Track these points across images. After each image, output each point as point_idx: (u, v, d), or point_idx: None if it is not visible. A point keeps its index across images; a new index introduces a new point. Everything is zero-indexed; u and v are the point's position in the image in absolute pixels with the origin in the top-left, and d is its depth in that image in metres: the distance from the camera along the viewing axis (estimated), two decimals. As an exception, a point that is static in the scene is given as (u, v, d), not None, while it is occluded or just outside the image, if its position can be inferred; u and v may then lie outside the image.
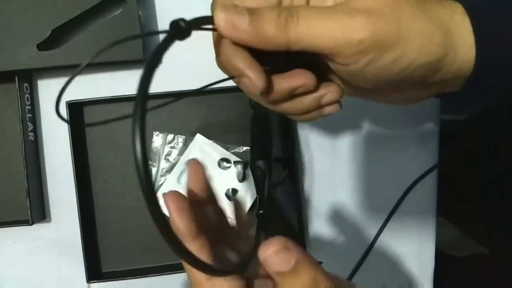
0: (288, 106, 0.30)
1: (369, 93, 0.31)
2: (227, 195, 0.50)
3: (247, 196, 0.50)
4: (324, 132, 0.52)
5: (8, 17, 0.46)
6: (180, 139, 0.51)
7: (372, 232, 0.52)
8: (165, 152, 0.51)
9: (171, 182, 0.51)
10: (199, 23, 0.25)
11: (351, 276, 0.52)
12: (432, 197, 0.53)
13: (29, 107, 0.49)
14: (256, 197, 0.35)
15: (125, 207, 0.51)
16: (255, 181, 0.34)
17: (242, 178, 0.50)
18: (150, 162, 0.51)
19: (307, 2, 0.28)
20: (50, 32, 0.46)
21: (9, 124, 0.50)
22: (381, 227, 0.52)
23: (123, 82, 0.50)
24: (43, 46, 0.46)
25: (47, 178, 0.51)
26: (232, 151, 0.51)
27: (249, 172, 0.49)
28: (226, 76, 0.29)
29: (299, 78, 0.28)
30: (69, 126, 0.48)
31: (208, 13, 0.27)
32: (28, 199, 0.47)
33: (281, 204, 0.51)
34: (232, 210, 0.35)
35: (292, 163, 0.50)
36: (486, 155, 0.70)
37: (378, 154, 0.52)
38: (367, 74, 0.26)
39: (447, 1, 0.28)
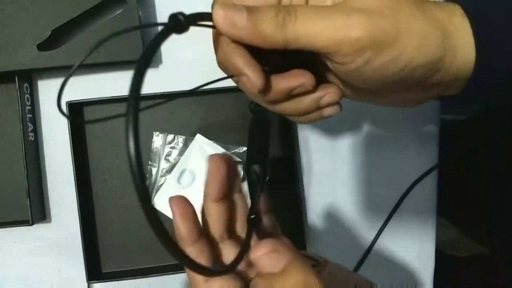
0: (288, 107, 0.30)
1: (368, 94, 0.31)
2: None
3: (247, 196, 0.50)
4: (324, 133, 0.52)
5: (8, 17, 0.46)
6: (180, 139, 0.51)
7: (372, 232, 0.52)
8: (165, 153, 0.51)
9: (171, 182, 0.51)
10: (198, 18, 0.25)
11: (351, 276, 0.52)
12: (432, 197, 0.53)
13: (29, 107, 0.49)
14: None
15: (125, 207, 0.51)
16: (249, 185, 0.34)
17: (242, 179, 0.50)
18: (150, 162, 0.51)
19: (306, 2, 0.28)
20: (50, 32, 0.46)
21: (9, 124, 0.50)
22: (381, 227, 0.52)
23: (123, 82, 0.50)
24: (43, 46, 0.46)
25: (47, 178, 0.51)
26: (232, 151, 0.51)
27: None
28: (225, 75, 0.29)
29: (297, 78, 0.28)
30: (69, 126, 0.48)
31: (208, 10, 0.27)
32: (28, 199, 0.47)
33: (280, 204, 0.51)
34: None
35: (292, 163, 0.50)
36: (486, 155, 0.70)
37: (378, 155, 0.52)
38: (364, 73, 0.26)
39: (446, 3, 0.28)
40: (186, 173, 0.51)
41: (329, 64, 0.28)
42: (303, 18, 0.25)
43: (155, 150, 0.51)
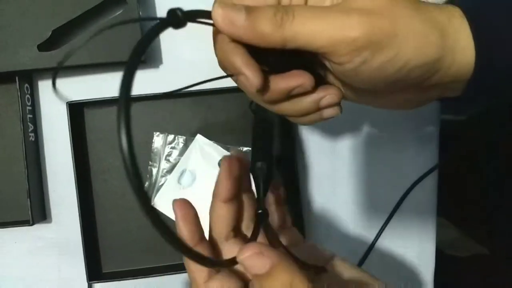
0: (287, 107, 0.30)
1: (367, 95, 0.31)
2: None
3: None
4: (325, 133, 0.52)
5: (9, 17, 0.46)
6: (181, 139, 0.51)
7: (373, 233, 0.52)
8: (166, 153, 0.51)
9: (171, 183, 0.51)
10: (196, 15, 0.25)
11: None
12: (432, 197, 0.53)
13: (30, 108, 0.49)
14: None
15: (126, 207, 0.51)
16: (254, 181, 0.34)
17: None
18: (150, 163, 0.51)
19: (305, 2, 0.28)
20: (50, 32, 0.46)
21: (10, 125, 0.50)
22: (381, 228, 0.52)
23: (124, 83, 0.50)
24: (43, 46, 0.46)
25: (47, 178, 0.51)
26: (233, 151, 0.51)
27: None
28: (225, 74, 0.30)
29: (297, 78, 0.28)
30: (69, 126, 0.48)
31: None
32: (28, 199, 0.47)
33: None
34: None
35: (292, 163, 0.50)
36: (486, 156, 0.70)
37: (378, 155, 0.52)
38: (362, 73, 0.27)
39: (445, 5, 0.28)
40: (187, 173, 0.51)
41: (327, 64, 0.28)
42: (301, 18, 0.25)
43: (155, 150, 0.51)
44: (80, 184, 0.48)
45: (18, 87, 0.47)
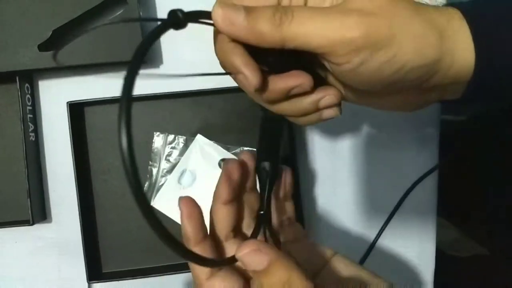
0: (286, 107, 0.30)
1: (367, 96, 0.31)
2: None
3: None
4: (325, 133, 0.52)
5: (9, 17, 0.46)
6: (181, 139, 0.51)
7: (373, 233, 0.52)
8: (166, 153, 0.51)
9: (171, 183, 0.51)
10: (196, 16, 0.26)
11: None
12: (432, 198, 0.53)
13: (30, 108, 0.49)
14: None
15: (126, 207, 0.51)
16: (259, 181, 0.35)
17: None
18: (150, 163, 0.51)
19: (305, 3, 0.28)
20: (51, 32, 0.46)
21: (10, 125, 0.50)
22: (381, 228, 0.52)
23: (124, 83, 0.50)
24: (44, 46, 0.46)
25: (47, 178, 0.51)
26: (233, 151, 0.51)
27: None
28: (224, 72, 0.30)
29: (295, 78, 0.28)
30: (70, 126, 0.48)
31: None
32: (28, 199, 0.47)
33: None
34: None
35: (292, 163, 0.50)
36: (487, 156, 0.70)
37: (379, 155, 0.52)
38: (361, 74, 0.27)
39: (445, 7, 0.28)
40: (187, 174, 0.51)
41: (326, 65, 0.28)
42: (299, 18, 0.26)
43: (155, 150, 0.51)
44: (80, 184, 0.48)
45: (18, 87, 0.47)
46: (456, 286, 0.71)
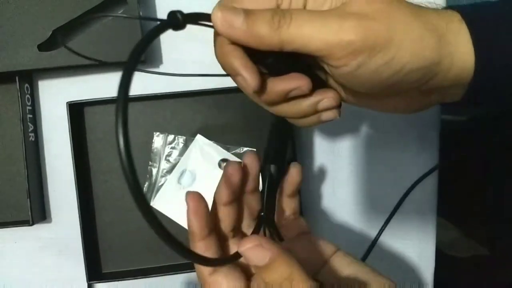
0: (286, 109, 0.31)
1: (367, 98, 0.31)
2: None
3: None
4: (325, 133, 0.52)
5: (9, 17, 0.46)
6: (181, 139, 0.51)
7: (373, 233, 0.52)
8: (166, 153, 0.51)
9: (171, 183, 0.51)
10: (196, 18, 0.26)
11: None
12: (432, 198, 0.53)
13: (30, 108, 0.49)
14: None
15: (126, 207, 0.51)
16: (262, 183, 0.35)
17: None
18: (150, 163, 0.51)
19: (304, 6, 0.29)
20: (50, 32, 0.46)
21: (10, 125, 0.50)
22: (381, 228, 0.52)
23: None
24: (43, 46, 0.46)
25: (47, 178, 0.51)
26: (233, 151, 0.51)
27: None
28: (222, 72, 0.30)
29: (294, 81, 0.29)
30: (69, 126, 0.48)
31: (208, 12, 0.28)
32: (28, 199, 0.47)
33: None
34: None
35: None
36: (487, 156, 0.70)
37: (379, 155, 0.52)
38: (360, 76, 0.27)
39: (444, 10, 0.28)
40: (187, 174, 0.51)
41: (325, 67, 0.28)
42: (297, 21, 0.26)
43: (155, 150, 0.51)
44: (80, 184, 0.48)
45: (18, 87, 0.47)
46: (456, 286, 0.71)
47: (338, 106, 0.31)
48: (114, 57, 0.47)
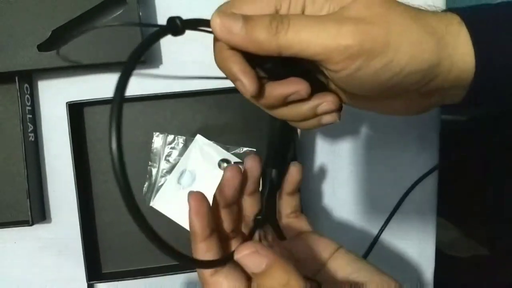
0: (286, 112, 0.31)
1: (368, 101, 0.32)
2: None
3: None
4: (325, 133, 0.52)
5: (9, 17, 0.46)
6: (181, 139, 0.51)
7: (373, 233, 0.52)
8: (165, 153, 0.51)
9: (171, 183, 0.51)
10: (195, 24, 0.26)
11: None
12: (432, 198, 0.53)
13: (30, 108, 0.49)
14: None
15: (125, 208, 0.51)
16: (262, 185, 0.35)
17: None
18: (150, 163, 0.51)
19: (303, 11, 0.29)
20: (50, 32, 0.46)
21: (9, 125, 0.50)
22: (381, 228, 0.52)
23: (124, 83, 0.50)
24: (43, 47, 0.46)
25: (47, 178, 0.51)
26: (232, 152, 0.51)
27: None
28: (222, 74, 0.30)
29: (293, 85, 0.29)
30: (69, 126, 0.48)
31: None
32: (28, 199, 0.47)
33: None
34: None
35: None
36: (487, 156, 0.70)
37: (379, 155, 0.52)
38: (359, 80, 0.27)
39: (444, 13, 0.29)
40: (186, 174, 0.51)
41: (325, 71, 0.28)
42: (295, 26, 0.26)
43: (155, 150, 0.51)
44: (80, 184, 0.48)
45: (18, 87, 0.47)
46: (456, 286, 0.71)
47: (338, 110, 0.32)
48: (114, 57, 0.47)
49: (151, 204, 0.51)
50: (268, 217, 0.35)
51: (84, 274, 0.48)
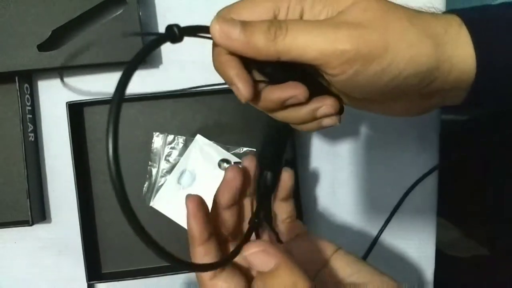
0: (285, 115, 0.31)
1: (368, 103, 0.32)
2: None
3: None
4: (325, 133, 0.52)
5: (9, 17, 0.46)
6: (181, 139, 0.51)
7: (373, 233, 0.52)
8: (165, 153, 0.51)
9: (171, 183, 0.51)
10: (193, 31, 0.27)
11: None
12: (432, 198, 0.53)
13: (29, 108, 0.49)
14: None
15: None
16: (257, 188, 0.35)
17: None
18: (150, 163, 0.51)
19: (301, 16, 0.29)
20: (50, 33, 0.46)
21: (9, 125, 0.50)
22: (381, 228, 0.52)
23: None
24: (43, 47, 0.46)
25: (47, 178, 0.51)
26: (232, 152, 0.51)
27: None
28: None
29: (291, 90, 0.29)
30: (69, 126, 0.48)
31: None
32: (28, 199, 0.47)
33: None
34: None
35: (292, 164, 0.50)
36: (487, 156, 0.70)
37: (379, 155, 0.52)
38: (358, 83, 0.27)
39: (443, 15, 0.29)
40: (186, 174, 0.51)
41: (324, 75, 0.29)
42: (293, 32, 0.26)
43: (155, 150, 0.51)
44: (80, 184, 0.48)
45: (18, 87, 0.47)
46: (456, 286, 0.71)
47: (338, 113, 0.32)
48: (114, 57, 0.47)
49: (151, 204, 0.51)
50: (263, 219, 0.35)
51: (84, 274, 0.48)
